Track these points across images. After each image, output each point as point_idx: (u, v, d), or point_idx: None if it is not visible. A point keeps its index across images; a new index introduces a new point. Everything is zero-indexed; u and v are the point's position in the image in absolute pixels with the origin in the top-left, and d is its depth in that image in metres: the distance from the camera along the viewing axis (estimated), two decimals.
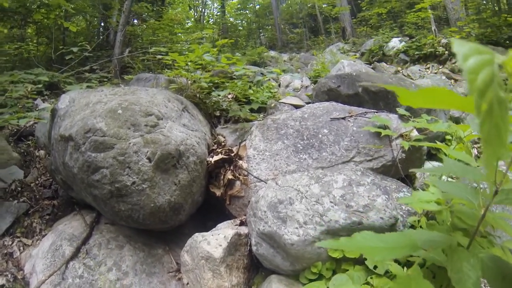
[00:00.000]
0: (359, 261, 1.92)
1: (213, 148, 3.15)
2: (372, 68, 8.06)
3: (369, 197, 2.07)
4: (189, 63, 3.57)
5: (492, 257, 0.98)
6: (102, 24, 11.15)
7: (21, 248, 2.76)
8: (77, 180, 2.48)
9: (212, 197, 2.95)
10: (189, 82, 3.76)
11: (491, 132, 0.48)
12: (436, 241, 1.00)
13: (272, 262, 2.21)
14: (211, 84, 3.95)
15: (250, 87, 4.16)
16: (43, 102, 4.98)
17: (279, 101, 4.29)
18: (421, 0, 9.76)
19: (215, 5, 25.36)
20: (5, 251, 2.69)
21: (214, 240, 2.31)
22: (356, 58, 8.85)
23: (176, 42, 9.59)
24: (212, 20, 24.78)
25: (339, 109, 3.10)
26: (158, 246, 2.77)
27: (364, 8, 15.11)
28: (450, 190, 1.17)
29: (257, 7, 23.95)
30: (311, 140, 2.82)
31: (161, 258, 2.69)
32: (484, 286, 1.86)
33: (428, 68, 8.28)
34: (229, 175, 2.85)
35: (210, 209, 3.09)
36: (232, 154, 2.95)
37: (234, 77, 4.16)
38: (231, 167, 2.91)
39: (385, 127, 2.66)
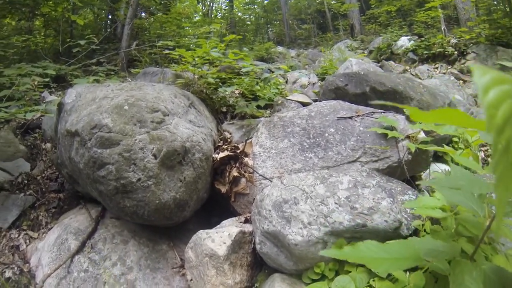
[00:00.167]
0: None
1: (219, 144, 3.16)
2: (380, 66, 8.01)
3: (374, 200, 2.06)
4: (196, 59, 3.56)
5: (495, 269, 0.97)
6: (110, 17, 11.14)
7: (27, 241, 2.79)
8: (83, 175, 2.49)
9: (217, 193, 2.95)
10: (196, 77, 3.76)
11: (506, 170, 0.45)
12: (439, 251, 0.99)
13: (276, 261, 2.21)
14: (218, 79, 3.95)
15: (257, 83, 4.16)
16: (50, 95, 5.00)
17: (286, 98, 4.28)
18: None
19: None
20: (12, 244, 2.71)
21: (218, 238, 2.32)
22: (364, 56, 8.78)
23: (184, 36, 9.58)
24: (220, 14, 24.68)
25: (346, 108, 3.09)
26: (162, 242, 2.78)
27: (373, 6, 14.97)
28: (455, 199, 1.16)
29: (266, 2, 23.79)
30: (317, 139, 2.81)
31: (165, 253, 2.70)
32: None
33: (437, 68, 8.21)
34: (235, 172, 2.86)
35: (215, 206, 3.09)
36: (238, 151, 2.95)
37: (241, 73, 4.15)
38: (237, 164, 2.91)
39: (392, 128, 2.65)
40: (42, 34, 8.14)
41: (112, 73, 6.29)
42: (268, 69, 5.48)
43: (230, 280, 2.22)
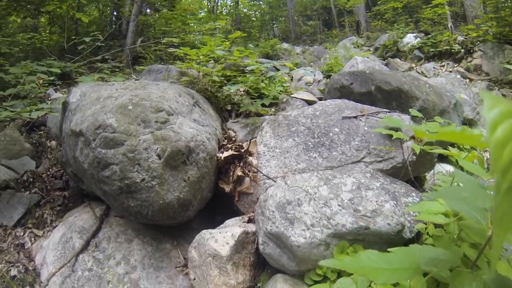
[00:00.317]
0: None
1: (224, 143, 3.15)
2: (385, 64, 7.97)
3: (377, 202, 2.05)
4: (200, 57, 3.56)
5: (495, 279, 0.96)
6: (115, 13, 11.14)
7: (33, 239, 2.81)
8: (87, 175, 2.51)
9: (221, 192, 2.95)
10: (201, 75, 3.76)
11: (507, 213, 0.43)
12: (440, 260, 0.99)
13: (278, 261, 2.22)
14: (223, 77, 3.94)
15: (262, 81, 4.15)
16: (56, 92, 5.02)
17: (291, 96, 4.27)
18: None
19: None
20: (17, 242, 2.74)
21: (222, 238, 2.32)
22: (369, 53, 8.73)
23: (189, 32, 9.56)
24: (225, 10, 24.64)
25: (351, 107, 3.08)
26: (166, 241, 2.80)
27: (379, 2, 14.87)
28: (458, 208, 1.15)
29: None
30: (321, 139, 2.80)
31: (169, 252, 2.72)
32: None
33: (443, 66, 8.15)
34: (239, 172, 2.86)
35: (219, 205, 3.10)
36: (242, 150, 2.95)
37: (246, 71, 4.14)
38: (241, 164, 2.91)
39: (396, 129, 2.63)
40: (47, 31, 8.15)
41: (117, 70, 6.30)
42: (273, 67, 5.46)
43: (233, 280, 2.22)
